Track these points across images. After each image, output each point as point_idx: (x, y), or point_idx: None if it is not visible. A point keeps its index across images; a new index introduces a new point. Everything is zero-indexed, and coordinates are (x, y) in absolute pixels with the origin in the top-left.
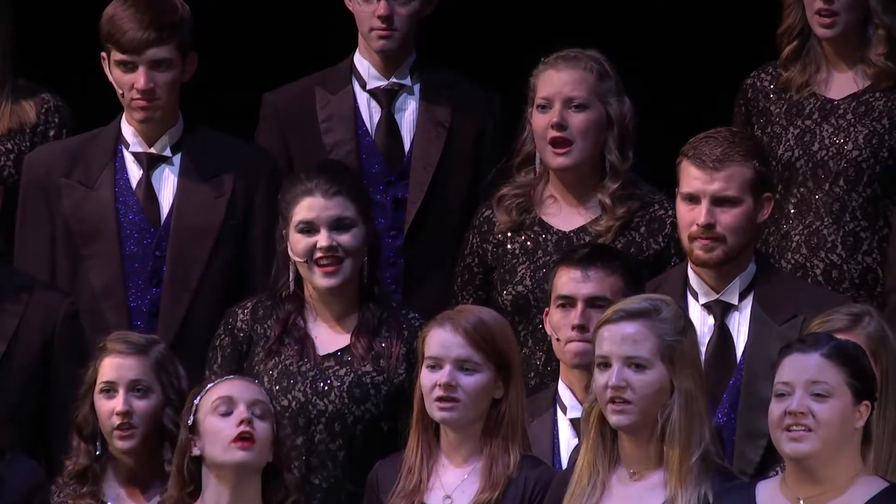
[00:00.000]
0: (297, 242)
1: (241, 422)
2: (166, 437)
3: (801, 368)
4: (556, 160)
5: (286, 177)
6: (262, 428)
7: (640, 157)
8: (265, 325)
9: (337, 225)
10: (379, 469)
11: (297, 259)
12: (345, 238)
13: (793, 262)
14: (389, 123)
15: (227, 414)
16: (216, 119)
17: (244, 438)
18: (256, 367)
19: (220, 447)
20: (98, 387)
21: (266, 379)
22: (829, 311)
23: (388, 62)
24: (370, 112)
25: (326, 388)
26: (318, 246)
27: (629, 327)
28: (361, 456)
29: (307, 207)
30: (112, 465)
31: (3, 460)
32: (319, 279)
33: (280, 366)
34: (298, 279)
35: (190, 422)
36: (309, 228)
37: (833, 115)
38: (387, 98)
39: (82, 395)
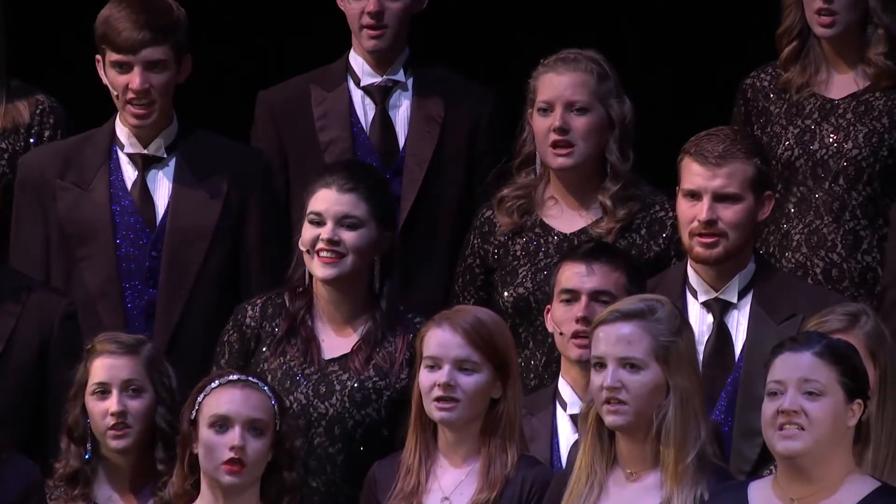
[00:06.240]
0: (305, 231)
1: (232, 448)
2: (158, 436)
3: (793, 367)
4: (558, 161)
5: (280, 176)
6: (255, 448)
7: (640, 157)
8: (273, 324)
9: (343, 221)
10: (376, 469)
11: (301, 248)
12: (349, 235)
13: (793, 261)
14: (384, 120)
15: (223, 431)
16: (212, 118)
17: (234, 463)
18: (261, 365)
19: (212, 465)
20: (90, 388)
21: (269, 378)
22: (826, 311)
23: (381, 59)
24: (365, 109)
25: (328, 391)
26: (320, 237)
27: (624, 328)
28: (360, 460)
29: (320, 199)
30: (103, 467)
31: (0, 460)
32: (317, 269)
33: (284, 366)
34: (311, 275)
35: (192, 416)
36: (318, 220)
37: (833, 114)
38: (381, 95)
39: (72, 398)
